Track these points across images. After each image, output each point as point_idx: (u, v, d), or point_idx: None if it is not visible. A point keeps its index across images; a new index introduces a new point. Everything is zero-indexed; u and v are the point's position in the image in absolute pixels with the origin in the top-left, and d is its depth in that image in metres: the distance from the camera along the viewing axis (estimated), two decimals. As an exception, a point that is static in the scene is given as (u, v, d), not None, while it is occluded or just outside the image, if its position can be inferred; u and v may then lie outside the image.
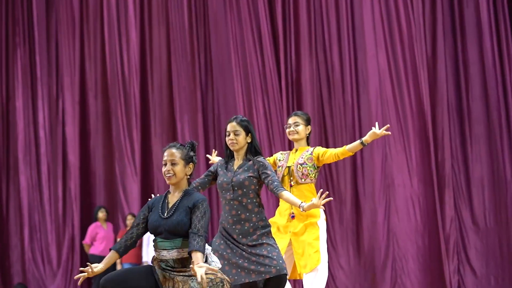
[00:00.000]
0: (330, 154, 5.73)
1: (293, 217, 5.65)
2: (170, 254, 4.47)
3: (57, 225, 11.67)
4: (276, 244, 5.12)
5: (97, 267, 4.45)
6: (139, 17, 11.48)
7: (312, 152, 5.83)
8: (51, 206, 11.74)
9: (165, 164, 4.62)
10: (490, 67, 9.31)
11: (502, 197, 9.20)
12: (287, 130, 5.94)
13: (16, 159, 11.97)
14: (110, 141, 11.66)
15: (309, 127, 5.96)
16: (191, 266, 4.27)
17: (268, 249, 5.04)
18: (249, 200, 5.13)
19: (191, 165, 4.66)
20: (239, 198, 5.14)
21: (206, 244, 4.51)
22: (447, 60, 9.53)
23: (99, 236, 10.81)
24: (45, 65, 12.12)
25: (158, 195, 4.77)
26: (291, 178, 5.76)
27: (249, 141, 5.31)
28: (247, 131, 5.29)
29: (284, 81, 10.22)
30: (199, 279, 4.15)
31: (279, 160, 5.91)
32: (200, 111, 10.89)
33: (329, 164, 9.89)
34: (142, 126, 11.36)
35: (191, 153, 4.68)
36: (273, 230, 5.62)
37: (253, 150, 5.32)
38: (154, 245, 4.55)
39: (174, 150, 4.64)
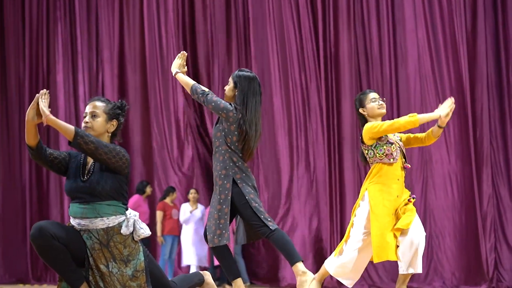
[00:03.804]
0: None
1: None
2: (94, 224, 4.11)
3: (97, 197, 11.80)
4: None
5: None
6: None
7: (399, 136, 5.49)
8: (90, 179, 11.86)
9: (85, 116, 4.24)
10: (532, 43, 9.14)
11: (541, 174, 9.09)
12: (376, 105, 5.37)
13: (56, 132, 12.09)
14: (148, 115, 11.73)
15: None
16: None
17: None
18: (216, 149, 5.21)
19: (114, 122, 4.27)
20: (213, 149, 5.26)
21: (132, 211, 4.23)
22: (487, 35, 9.36)
23: (141, 209, 10.89)
24: (85, 38, 12.19)
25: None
26: (404, 159, 5.37)
27: (236, 93, 5.23)
28: (235, 84, 5.24)
29: (323, 55, 10.15)
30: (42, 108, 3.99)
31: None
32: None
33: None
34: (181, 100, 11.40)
35: (118, 111, 4.30)
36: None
37: (237, 103, 5.22)
38: (72, 213, 4.15)
39: (97, 103, 4.27)
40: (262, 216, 5.07)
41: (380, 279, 9.53)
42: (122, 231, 4.11)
